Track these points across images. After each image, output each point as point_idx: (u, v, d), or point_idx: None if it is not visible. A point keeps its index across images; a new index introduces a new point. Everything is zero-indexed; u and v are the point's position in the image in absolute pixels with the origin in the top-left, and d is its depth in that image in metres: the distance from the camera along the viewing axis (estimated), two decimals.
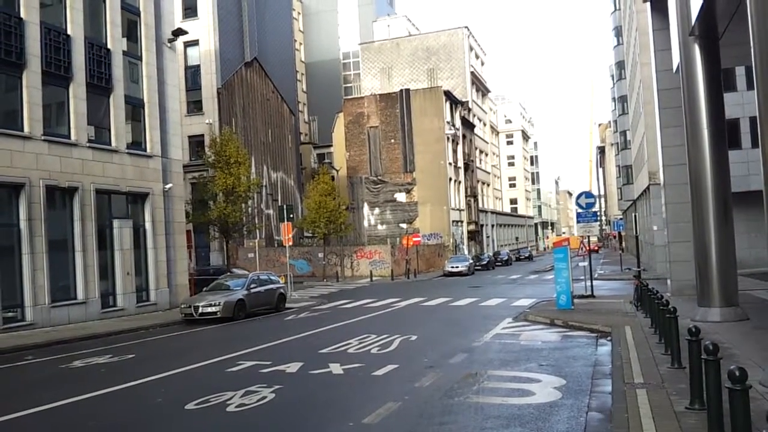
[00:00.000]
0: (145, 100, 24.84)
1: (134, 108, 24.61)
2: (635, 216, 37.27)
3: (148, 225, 24.55)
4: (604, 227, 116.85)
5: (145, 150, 24.66)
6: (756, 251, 29.15)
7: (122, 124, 23.62)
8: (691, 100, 15.10)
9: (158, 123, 25.27)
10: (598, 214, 61.89)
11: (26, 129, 19.76)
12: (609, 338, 13.59)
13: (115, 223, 23.11)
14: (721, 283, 14.73)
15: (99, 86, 22.69)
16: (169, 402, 9.51)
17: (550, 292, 22.95)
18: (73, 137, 21.48)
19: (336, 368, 11.42)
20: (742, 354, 10.32)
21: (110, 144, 23.09)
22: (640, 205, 47.49)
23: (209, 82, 44.68)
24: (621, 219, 69.05)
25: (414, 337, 15.16)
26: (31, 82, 19.98)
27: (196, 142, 43.72)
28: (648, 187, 36.79)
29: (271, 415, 8.44)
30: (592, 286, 23.40)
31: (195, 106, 44.91)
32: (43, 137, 20.24)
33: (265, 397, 9.25)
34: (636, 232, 35.10)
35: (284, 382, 10.30)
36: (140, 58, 24.82)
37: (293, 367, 11.60)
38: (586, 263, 24.47)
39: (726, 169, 15.06)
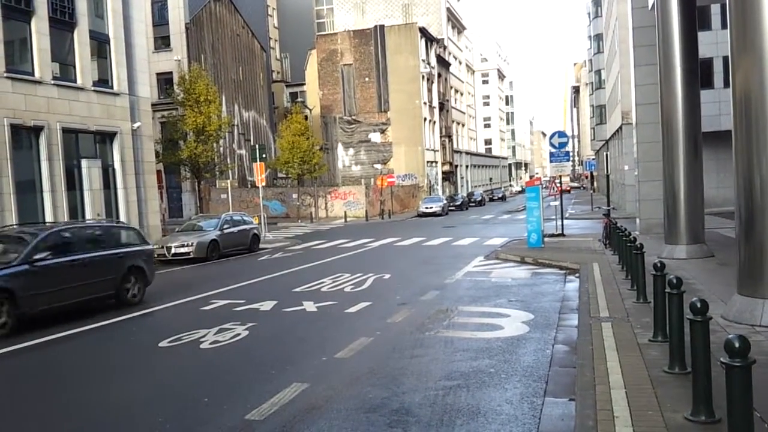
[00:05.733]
0: (111, 35, 24.01)
1: (100, 44, 23.78)
2: (607, 155, 37.57)
3: (117, 165, 24.11)
4: (576, 167, 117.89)
5: (112, 87, 23.99)
6: (724, 190, 29.63)
7: (88, 61, 22.87)
8: (665, 38, 15.03)
9: (125, 59, 24.51)
10: (571, 154, 61.99)
11: None
12: (577, 275, 13.85)
13: (84, 162, 22.66)
14: (689, 221, 15.01)
15: (62, 21, 21.85)
16: (143, 340, 9.56)
17: (521, 232, 23.23)
18: (37, 74, 20.76)
19: (309, 306, 11.53)
20: (705, 289, 10.62)
21: (76, 81, 22.39)
22: (612, 144, 47.81)
23: (177, 17, 43.31)
24: (593, 159, 69.55)
25: (387, 276, 15.33)
26: None
27: (164, 80, 42.68)
28: (621, 127, 36.97)
29: (244, 351, 8.53)
30: (562, 225, 23.71)
31: (162, 42, 43.64)
32: (5, 74, 19.52)
33: (238, 334, 9.33)
34: (607, 172, 35.46)
35: (258, 320, 10.38)
36: None
37: (267, 306, 11.68)
38: (557, 203, 24.73)
39: (697, 109, 15.15)
